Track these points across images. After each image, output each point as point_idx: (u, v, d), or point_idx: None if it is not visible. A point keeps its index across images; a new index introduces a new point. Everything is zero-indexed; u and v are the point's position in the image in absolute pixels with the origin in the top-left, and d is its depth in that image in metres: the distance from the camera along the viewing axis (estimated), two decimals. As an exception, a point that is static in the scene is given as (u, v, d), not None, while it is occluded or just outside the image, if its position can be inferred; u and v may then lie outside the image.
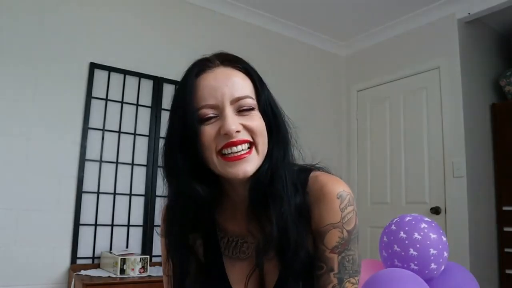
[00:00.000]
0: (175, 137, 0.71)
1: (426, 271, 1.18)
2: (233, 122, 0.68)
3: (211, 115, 0.69)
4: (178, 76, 2.95)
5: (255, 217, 0.74)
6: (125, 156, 2.54)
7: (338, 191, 0.71)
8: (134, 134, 2.58)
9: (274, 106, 0.76)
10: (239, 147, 0.68)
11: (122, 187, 2.50)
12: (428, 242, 1.17)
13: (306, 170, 0.77)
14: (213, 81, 0.71)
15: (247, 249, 0.77)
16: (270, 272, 0.73)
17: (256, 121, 0.71)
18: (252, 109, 0.71)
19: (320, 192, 0.72)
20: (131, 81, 2.62)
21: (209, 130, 0.69)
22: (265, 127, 0.72)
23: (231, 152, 0.68)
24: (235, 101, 0.70)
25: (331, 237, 0.70)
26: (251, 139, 0.70)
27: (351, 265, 0.71)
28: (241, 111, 0.70)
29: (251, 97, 0.72)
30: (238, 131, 0.68)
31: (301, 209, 0.72)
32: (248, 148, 0.70)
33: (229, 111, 0.69)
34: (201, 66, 0.74)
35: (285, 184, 0.71)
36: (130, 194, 2.52)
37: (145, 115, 2.64)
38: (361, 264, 0.74)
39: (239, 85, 0.71)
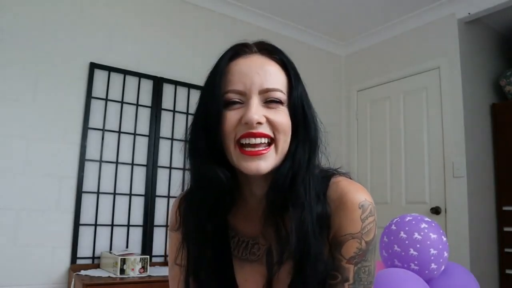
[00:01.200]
0: (200, 119, 0.69)
1: (426, 271, 1.18)
2: (256, 112, 0.64)
3: (237, 100, 0.67)
4: (178, 76, 2.96)
5: (270, 221, 0.69)
6: (125, 156, 2.53)
7: (360, 201, 0.68)
8: (134, 134, 2.58)
9: (306, 106, 0.71)
10: (258, 140, 0.65)
11: (122, 187, 2.50)
12: (428, 242, 1.17)
13: (327, 176, 0.73)
14: (246, 67, 0.68)
15: (257, 250, 0.74)
16: (280, 279, 0.69)
17: (282, 116, 0.67)
18: (280, 103, 0.67)
19: (341, 201, 0.68)
20: (131, 81, 2.62)
21: (231, 116, 0.66)
22: (290, 125, 0.68)
23: (249, 144, 0.65)
24: (264, 91, 0.67)
25: (349, 248, 0.67)
26: (272, 135, 0.66)
27: (367, 276, 0.68)
28: (268, 102, 0.67)
29: (281, 91, 0.68)
30: (260, 123, 0.65)
31: (322, 218, 0.68)
32: (268, 145, 0.66)
33: (255, 101, 0.66)
34: (236, 50, 0.71)
35: (308, 190, 0.67)
36: (130, 194, 2.52)
37: (145, 115, 2.64)
38: (375, 274, 0.72)
39: (272, 76, 0.68)
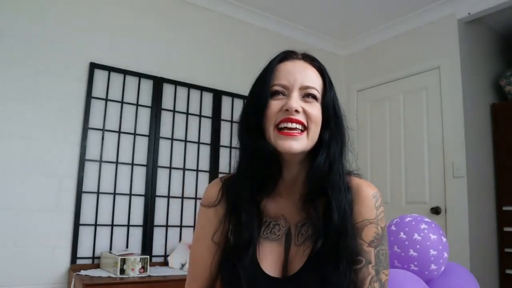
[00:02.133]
0: (251, 105, 0.83)
1: (426, 272, 1.18)
2: (296, 101, 0.78)
3: (281, 91, 0.80)
4: (178, 76, 2.96)
5: (306, 204, 0.80)
6: (125, 156, 2.53)
7: (373, 192, 0.82)
8: (134, 134, 2.58)
9: (337, 107, 0.85)
10: (294, 125, 0.78)
11: (122, 187, 2.50)
12: (428, 243, 1.17)
13: (346, 173, 0.85)
14: (291, 67, 0.83)
15: (278, 231, 0.84)
16: (297, 257, 0.80)
17: (315, 110, 0.80)
18: (315, 98, 0.81)
19: (357, 191, 0.81)
20: (131, 81, 2.62)
21: (274, 104, 0.79)
22: (321, 118, 0.81)
23: (286, 127, 0.78)
24: (304, 88, 0.80)
25: (368, 232, 0.79)
26: (305, 123, 0.79)
27: (385, 258, 0.79)
28: (305, 96, 0.80)
29: (317, 90, 0.82)
30: (297, 111, 0.78)
31: (350, 205, 0.80)
32: (301, 131, 0.78)
33: (296, 94, 0.80)
34: (285, 55, 0.86)
35: (342, 177, 0.80)
36: (130, 194, 2.52)
37: (145, 115, 2.64)
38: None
39: (311, 77, 0.82)
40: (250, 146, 0.81)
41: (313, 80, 0.82)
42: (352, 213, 0.79)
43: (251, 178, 0.82)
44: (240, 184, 0.84)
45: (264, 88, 0.81)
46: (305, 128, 0.79)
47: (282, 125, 0.78)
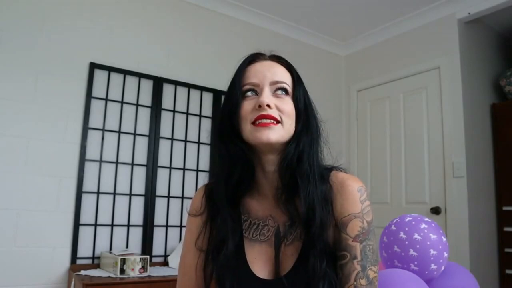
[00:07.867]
0: (226, 109, 0.84)
1: (426, 272, 1.18)
2: (267, 97, 0.80)
3: (252, 90, 0.82)
4: (178, 76, 2.96)
5: (282, 200, 0.82)
6: (125, 156, 2.53)
7: (357, 186, 0.81)
8: (134, 134, 2.58)
9: (307, 101, 0.87)
10: (268, 120, 0.79)
11: (122, 187, 2.50)
12: (428, 243, 1.17)
13: (329, 168, 0.86)
14: (260, 67, 0.85)
15: (267, 232, 0.85)
16: (288, 256, 0.80)
17: (287, 104, 0.82)
18: (286, 93, 0.83)
19: (341, 185, 0.81)
20: (131, 81, 2.62)
21: (247, 104, 0.81)
22: (294, 112, 0.82)
23: (261, 122, 0.79)
24: (274, 83, 0.83)
25: (353, 226, 0.78)
26: (279, 118, 0.80)
27: (372, 254, 0.78)
28: (277, 91, 0.83)
29: (287, 84, 0.84)
30: (269, 106, 0.79)
31: (325, 196, 0.80)
32: (275, 123, 0.80)
33: (267, 90, 0.82)
34: (253, 57, 0.88)
35: (312, 167, 0.80)
36: (130, 194, 2.52)
37: (145, 115, 2.64)
38: (379, 255, 0.78)
39: (280, 73, 0.84)
40: (224, 150, 0.83)
41: (282, 76, 0.84)
42: (326, 205, 0.79)
43: (226, 181, 0.83)
44: (216, 189, 0.86)
45: (235, 90, 0.83)
46: (278, 122, 0.80)
47: (258, 121, 0.79)
